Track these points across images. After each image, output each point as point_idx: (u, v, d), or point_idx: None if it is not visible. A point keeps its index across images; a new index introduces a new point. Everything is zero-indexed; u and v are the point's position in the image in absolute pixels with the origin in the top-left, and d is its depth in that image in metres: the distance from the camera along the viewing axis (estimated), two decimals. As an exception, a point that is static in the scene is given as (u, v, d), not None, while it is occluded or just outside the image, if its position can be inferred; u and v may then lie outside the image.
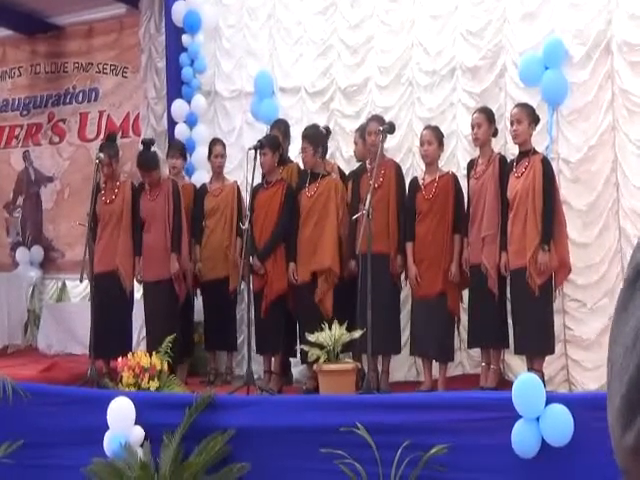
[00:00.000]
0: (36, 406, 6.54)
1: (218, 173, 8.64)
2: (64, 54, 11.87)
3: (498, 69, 8.11)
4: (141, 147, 8.57)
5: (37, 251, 11.75)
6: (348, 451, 5.57)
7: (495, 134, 7.32)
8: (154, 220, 7.99)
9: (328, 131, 8.17)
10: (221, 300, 8.39)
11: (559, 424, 5.18)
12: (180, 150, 8.87)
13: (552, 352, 6.96)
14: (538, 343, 6.83)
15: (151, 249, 7.97)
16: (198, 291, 8.68)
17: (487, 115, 7.25)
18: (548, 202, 6.77)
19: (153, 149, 8.44)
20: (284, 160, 8.15)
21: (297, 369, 8.26)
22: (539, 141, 7.28)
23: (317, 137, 7.78)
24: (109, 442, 6.02)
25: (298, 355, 7.82)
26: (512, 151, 7.44)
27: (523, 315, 6.84)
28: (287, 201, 7.73)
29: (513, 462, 5.27)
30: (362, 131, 7.80)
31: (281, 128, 8.40)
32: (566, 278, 7.00)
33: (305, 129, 8.05)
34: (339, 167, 8.27)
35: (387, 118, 7.76)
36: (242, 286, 8.35)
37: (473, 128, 7.25)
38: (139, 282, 8.14)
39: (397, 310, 7.48)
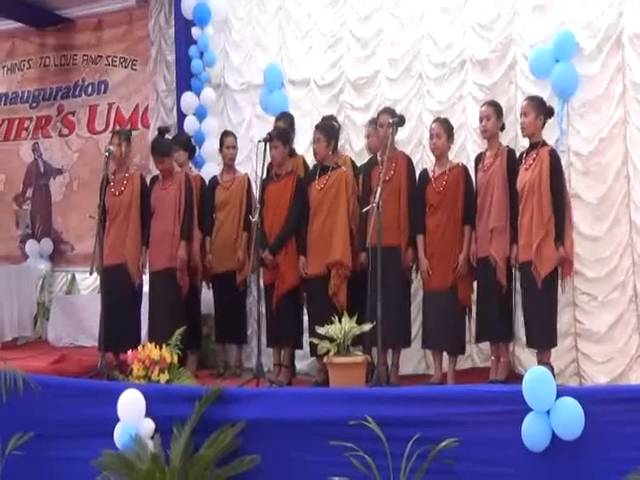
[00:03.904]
0: (47, 398, 6.53)
1: (229, 165, 8.63)
2: (73, 46, 11.89)
3: (508, 62, 8.11)
4: (156, 133, 8.62)
5: (46, 243, 11.78)
6: (358, 444, 5.56)
7: (502, 127, 7.31)
8: (163, 209, 7.99)
9: (339, 125, 8.17)
10: (231, 293, 8.41)
11: (570, 417, 5.16)
12: (181, 143, 8.84)
13: (554, 345, 6.94)
14: (540, 336, 6.83)
15: (158, 238, 7.97)
16: (206, 283, 8.69)
17: (495, 108, 7.25)
18: (557, 194, 6.76)
19: (167, 137, 8.47)
20: (291, 153, 8.13)
21: (306, 362, 8.26)
22: (549, 134, 7.26)
23: (331, 129, 7.79)
24: (119, 434, 6.02)
25: (305, 348, 7.82)
26: (522, 144, 7.43)
27: (529, 308, 6.85)
28: (298, 194, 7.71)
29: (523, 455, 5.25)
30: (375, 124, 7.77)
31: (287, 120, 8.40)
32: (569, 273, 6.96)
33: (322, 119, 8.07)
34: (352, 160, 8.26)
35: (397, 111, 7.74)
36: (251, 279, 8.39)
37: (481, 121, 7.25)
38: (143, 273, 8.13)
39: (407, 303, 7.47)
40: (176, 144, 8.58)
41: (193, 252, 8.09)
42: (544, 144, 6.96)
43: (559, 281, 6.85)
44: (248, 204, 8.42)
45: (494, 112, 7.21)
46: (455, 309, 7.23)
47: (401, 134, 8.00)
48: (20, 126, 12.29)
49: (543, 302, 6.76)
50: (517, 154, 7.17)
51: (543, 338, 6.83)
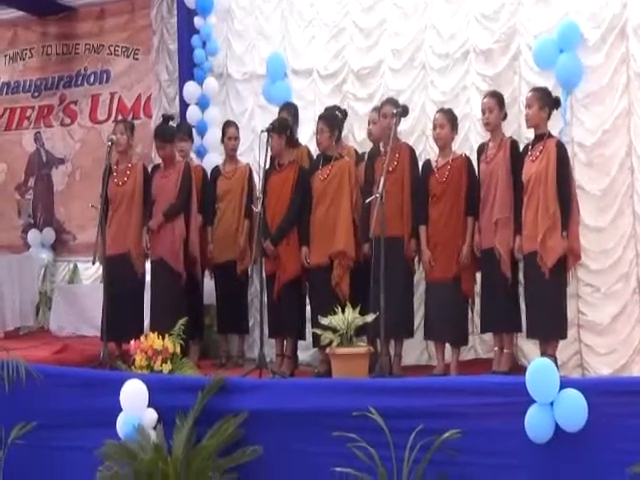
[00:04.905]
0: (49, 388, 6.54)
1: (231, 156, 8.64)
2: (75, 35, 11.85)
3: (512, 52, 8.09)
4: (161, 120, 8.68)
5: (48, 233, 11.76)
6: (361, 435, 5.55)
7: (505, 117, 7.29)
8: (163, 197, 8.00)
9: (344, 114, 8.15)
10: (232, 283, 8.41)
11: (573, 409, 5.16)
12: (186, 132, 8.84)
13: (564, 337, 6.94)
14: (550, 327, 6.82)
15: (158, 227, 7.98)
16: (209, 273, 8.69)
17: (497, 99, 7.23)
18: (564, 186, 6.74)
19: (171, 124, 8.48)
20: (294, 143, 8.11)
21: (309, 352, 8.25)
22: (553, 124, 7.23)
23: (334, 119, 7.77)
24: (122, 424, 6.02)
25: (307, 338, 7.81)
26: (526, 135, 7.41)
27: (536, 299, 6.83)
28: (300, 183, 7.69)
29: (526, 447, 5.25)
30: (379, 112, 7.71)
31: (290, 111, 8.39)
32: (574, 265, 6.96)
33: (326, 109, 8.05)
34: (356, 150, 8.24)
35: (400, 101, 7.72)
36: (251, 269, 8.39)
37: (484, 113, 7.23)
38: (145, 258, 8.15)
39: (410, 294, 7.47)
40: (182, 133, 8.59)
41: (191, 240, 8.06)
42: (550, 136, 6.94)
43: (566, 272, 6.84)
44: (249, 193, 8.42)
45: (496, 103, 7.19)
46: (458, 300, 7.23)
47: (404, 125, 7.95)
48: (22, 115, 12.26)
49: (550, 293, 6.74)
50: (521, 145, 7.16)
51: (550, 329, 6.82)
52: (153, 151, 9.43)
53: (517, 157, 7.03)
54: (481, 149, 7.36)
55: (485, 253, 7.10)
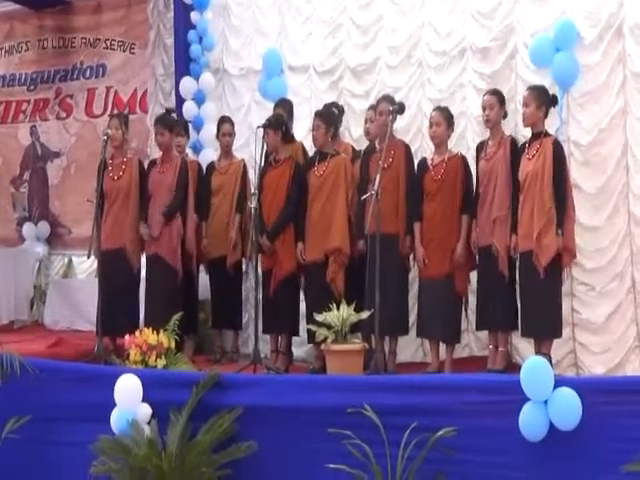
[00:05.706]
0: (43, 382, 6.52)
1: (226, 151, 8.64)
2: (72, 29, 11.80)
3: (509, 50, 8.09)
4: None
5: (43, 226, 11.73)
6: (355, 432, 5.54)
7: (505, 115, 7.29)
8: (160, 193, 8.00)
9: (341, 111, 8.16)
10: (226, 278, 8.41)
11: (567, 408, 5.16)
12: (183, 128, 8.84)
13: (559, 336, 6.95)
14: (545, 326, 6.82)
15: (154, 222, 7.97)
16: (205, 268, 8.70)
17: (498, 97, 7.23)
18: (560, 185, 6.74)
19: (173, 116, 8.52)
20: (289, 139, 8.10)
21: (303, 348, 8.26)
22: (549, 123, 7.24)
23: (331, 116, 7.78)
24: (116, 419, 6.01)
25: (301, 334, 7.82)
26: (522, 133, 7.41)
27: (531, 298, 6.83)
28: (296, 180, 7.71)
29: (521, 445, 5.25)
30: (376, 110, 7.72)
31: (285, 107, 8.40)
32: (569, 263, 6.97)
33: (324, 106, 8.05)
34: (353, 147, 8.24)
35: (397, 98, 7.72)
36: (247, 265, 8.39)
37: (484, 110, 7.22)
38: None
39: (405, 291, 7.46)
40: (180, 128, 8.58)
41: (187, 236, 8.06)
42: (547, 134, 6.94)
43: (562, 271, 6.85)
44: (242, 188, 8.42)
45: (497, 101, 7.19)
46: (451, 298, 7.22)
47: (401, 122, 7.97)
48: (18, 109, 12.22)
49: (545, 291, 6.75)
50: (518, 144, 7.16)
51: (545, 327, 6.82)
52: (148, 146, 9.42)
53: (517, 155, 7.03)
54: (480, 147, 7.36)
55: (482, 250, 7.11)
